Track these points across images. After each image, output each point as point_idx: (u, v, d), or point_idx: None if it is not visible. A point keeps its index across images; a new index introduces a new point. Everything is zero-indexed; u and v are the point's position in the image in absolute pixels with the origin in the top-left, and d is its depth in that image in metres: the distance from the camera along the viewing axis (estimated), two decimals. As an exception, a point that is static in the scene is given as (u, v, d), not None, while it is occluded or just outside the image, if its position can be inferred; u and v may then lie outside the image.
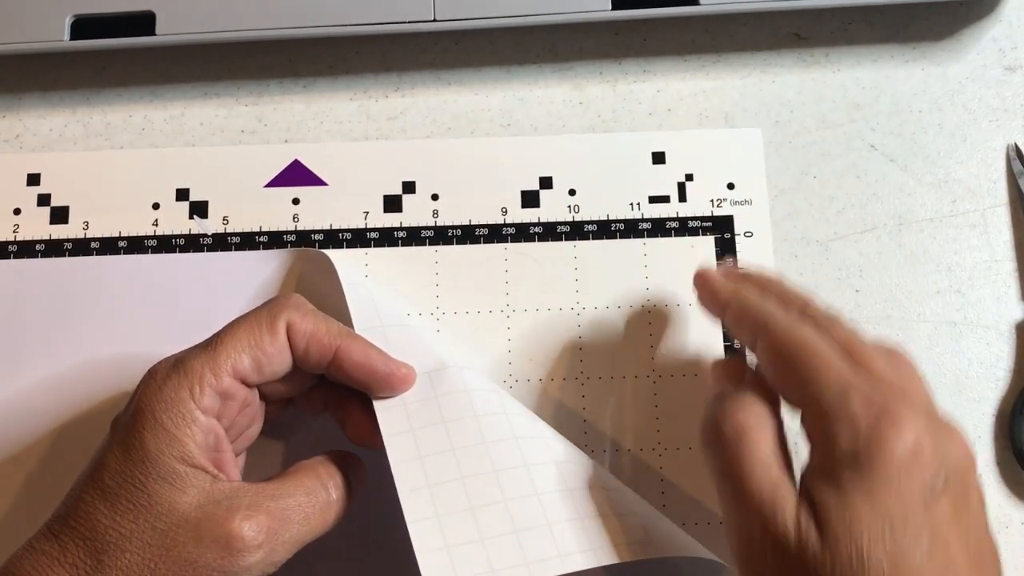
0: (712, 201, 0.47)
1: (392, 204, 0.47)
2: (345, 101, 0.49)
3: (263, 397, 0.39)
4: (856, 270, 0.46)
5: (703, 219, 0.46)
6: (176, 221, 0.47)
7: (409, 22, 0.46)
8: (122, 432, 0.34)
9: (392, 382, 0.38)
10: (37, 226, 0.47)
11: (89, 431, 0.43)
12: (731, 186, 0.47)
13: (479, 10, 0.46)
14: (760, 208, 0.46)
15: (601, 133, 0.48)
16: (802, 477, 0.32)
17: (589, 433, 0.43)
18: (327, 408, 0.40)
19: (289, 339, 0.37)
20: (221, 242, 0.46)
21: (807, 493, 0.31)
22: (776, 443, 0.33)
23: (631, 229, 0.46)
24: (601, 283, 0.46)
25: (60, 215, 0.47)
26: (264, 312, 0.37)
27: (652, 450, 0.43)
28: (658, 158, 0.47)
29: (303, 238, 0.46)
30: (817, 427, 0.32)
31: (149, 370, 0.36)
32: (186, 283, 0.46)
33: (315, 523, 0.35)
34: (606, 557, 0.35)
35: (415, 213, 0.47)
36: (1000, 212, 0.46)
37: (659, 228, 0.46)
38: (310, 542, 0.35)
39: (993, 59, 0.49)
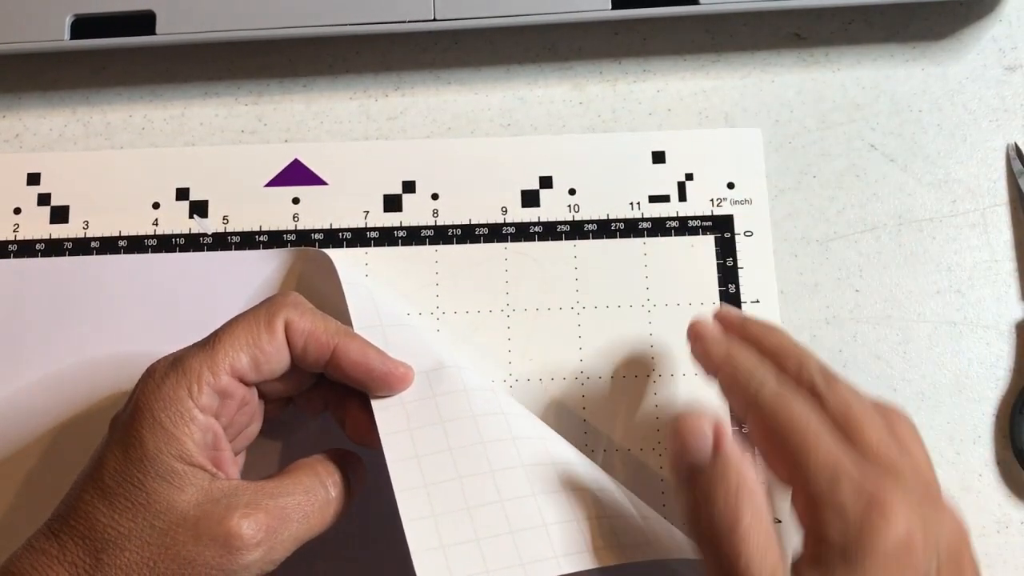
0: (712, 201, 0.47)
1: (392, 204, 0.47)
2: (345, 101, 0.49)
3: (263, 396, 0.39)
4: (856, 270, 0.46)
5: (703, 219, 0.46)
6: (176, 221, 0.47)
7: (409, 22, 0.46)
8: (121, 431, 0.34)
9: (390, 381, 0.38)
10: (37, 226, 0.47)
11: (89, 430, 0.43)
12: (731, 186, 0.47)
13: (479, 10, 0.46)
14: (760, 208, 0.46)
15: (601, 133, 0.48)
16: (796, 565, 0.32)
17: (589, 433, 0.43)
18: (327, 407, 0.40)
19: (287, 337, 0.37)
20: (221, 242, 0.46)
21: None
22: (769, 525, 0.32)
23: (631, 229, 0.46)
24: (601, 283, 0.46)
25: (60, 215, 0.47)
26: (262, 310, 0.37)
27: (652, 450, 0.43)
28: (658, 158, 0.47)
29: (303, 238, 0.46)
30: (807, 512, 0.32)
31: (147, 369, 0.36)
32: (186, 283, 0.46)
33: (314, 521, 0.35)
34: (603, 559, 0.35)
35: (415, 213, 0.47)
36: (1000, 212, 0.46)
37: (659, 228, 0.46)
38: (309, 540, 0.36)
39: (993, 59, 0.49)
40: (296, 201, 0.47)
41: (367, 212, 0.47)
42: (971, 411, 0.44)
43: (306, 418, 0.43)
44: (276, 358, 0.37)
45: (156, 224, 0.47)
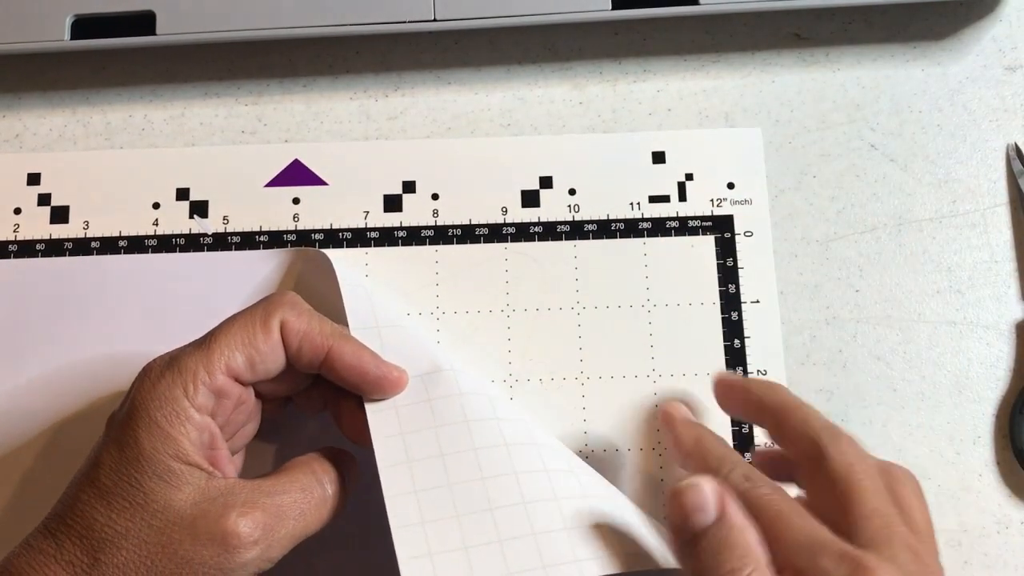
0: (712, 201, 0.47)
1: (392, 204, 0.47)
2: (345, 101, 0.49)
3: (260, 396, 0.39)
4: (856, 270, 0.46)
5: (703, 219, 0.46)
6: (176, 221, 0.47)
7: (409, 22, 0.46)
8: (117, 430, 0.34)
9: (383, 385, 0.38)
10: (37, 226, 0.47)
11: (87, 430, 0.43)
12: (731, 186, 0.47)
13: (479, 10, 0.46)
14: (760, 208, 0.46)
15: (601, 133, 0.48)
16: None
17: (588, 433, 0.43)
18: (326, 407, 0.40)
19: (283, 337, 0.37)
20: (221, 242, 0.46)
21: None
22: None
23: (631, 229, 0.46)
24: (601, 283, 0.45)
25: (60, 215, 0.47)
26: (259, 310, 0.37)
27: (652, 450, 0.43)
28: (658, 158, 0.47)
29: (303, 238, 0.46)
30: None
31: (143, 368, 0.36)
32: (186, 283, 0.46)
33: (311, 519, 0.35)
34: (593, 569, 0.35)
35: (415, 213, 0.47)
36: (1000, 212, 0.46)
37: (659, 228, 0.46)
38: (307, 538, 0.35)
39: (993, 59, 0.49)
40: (296, 201, 0.47)
41: (367, 212, 0.47)
42: (971, 411, 0.44)
43: (305, 418, 0.43)
44: (271, 358, 0.37)
45: (156, 224, 0.47)
